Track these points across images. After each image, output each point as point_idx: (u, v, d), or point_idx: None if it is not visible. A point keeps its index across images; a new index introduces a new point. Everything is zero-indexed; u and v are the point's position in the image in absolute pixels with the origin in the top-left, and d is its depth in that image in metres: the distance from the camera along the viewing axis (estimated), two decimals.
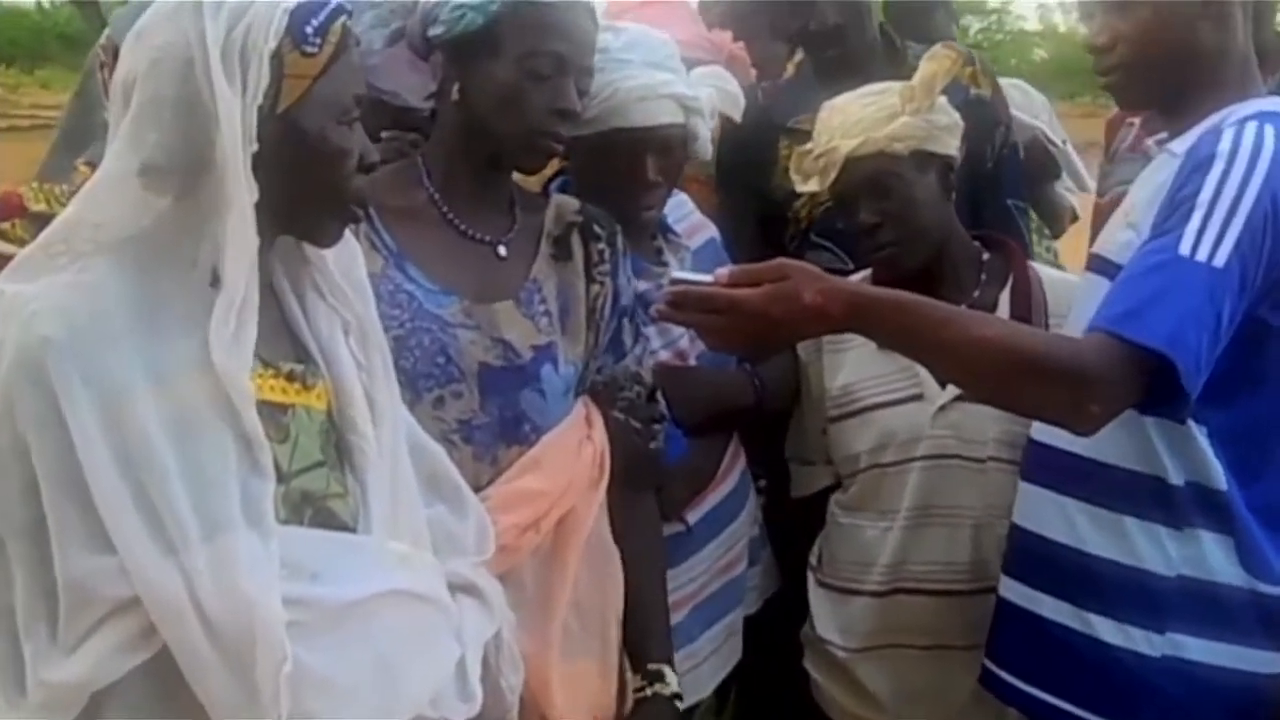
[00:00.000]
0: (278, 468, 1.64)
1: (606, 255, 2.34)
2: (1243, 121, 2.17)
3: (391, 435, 1.83)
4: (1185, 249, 2.06)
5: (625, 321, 2.37)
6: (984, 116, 3.13)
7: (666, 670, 2.31)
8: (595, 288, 2.32)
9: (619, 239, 2.38)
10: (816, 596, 2.86)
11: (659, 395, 2.41)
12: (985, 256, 2.81)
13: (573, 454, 2.22)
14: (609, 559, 2.29)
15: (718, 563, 2.70)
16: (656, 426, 2.38)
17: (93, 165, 2.30)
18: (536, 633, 2.14)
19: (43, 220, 2.26)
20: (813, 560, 2.89)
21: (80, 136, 2.51)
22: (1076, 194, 4.44)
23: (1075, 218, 4.51)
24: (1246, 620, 2.24)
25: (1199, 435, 2.20)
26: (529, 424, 2.19)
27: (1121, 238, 2.29)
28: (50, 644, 1.56)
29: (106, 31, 2.41)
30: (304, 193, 1.71)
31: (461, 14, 2.16)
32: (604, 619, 2.27)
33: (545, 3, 2.18)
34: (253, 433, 1.60)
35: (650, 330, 2.54)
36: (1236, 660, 2.24)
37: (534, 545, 2.15)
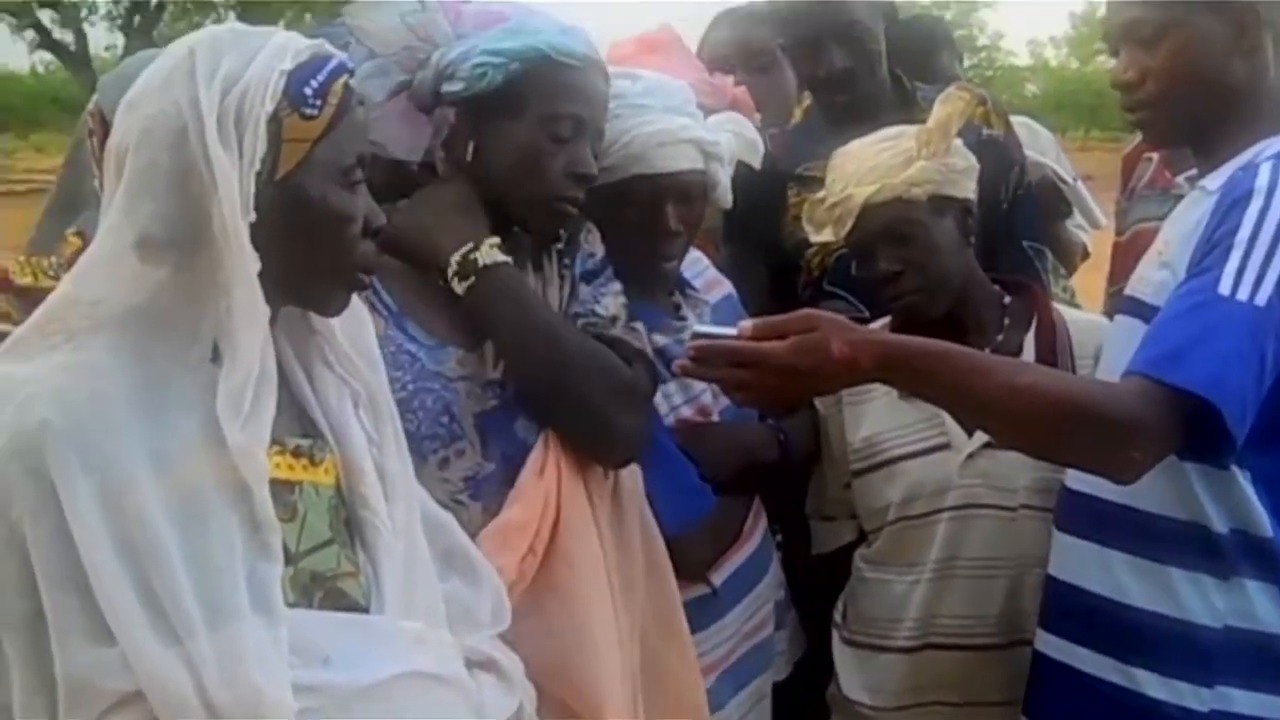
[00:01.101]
0: (285, 549, 1.59)
1: (565, 246, 2.33)
2: (1279, 156, 2.12)
3: (406, 511, 1.78)
4: (1225, 288, 2.02)
5: (584, 287, 2.31)
6: (998, 157, 3.08)
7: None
8: (565, 285, 2.30)
9: (582, 235, 2.35)
10: (842, 655, 2.80)
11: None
12: (1006, 300, 2.76)
13: (537, 477, 2.15)
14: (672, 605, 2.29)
15: (745, 625, 2.63)
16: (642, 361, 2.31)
17: (82, 235, 2.29)
18: (577, 657, 2.10)
19: (29, 295, 2.22)
20: (837, 618, 2.83)
21: (70, 205, 2.48)
22: (1088, 231, 4.38)
23: (1086, 255, 4.47)
24: None
25: (1242, 480, 2.15)
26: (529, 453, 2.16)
27: (1155, 278, 2.24)
28: None
29: (95, 98, 2.36)
30: (307, 261, 1.66)
31: (483, 71, 2.14)
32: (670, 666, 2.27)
33: (566, 65, 2.16)
34: (263, 515, 1.55)
35: (672, 386, 2.50)
36: None
37: (534, 569, 2.10)
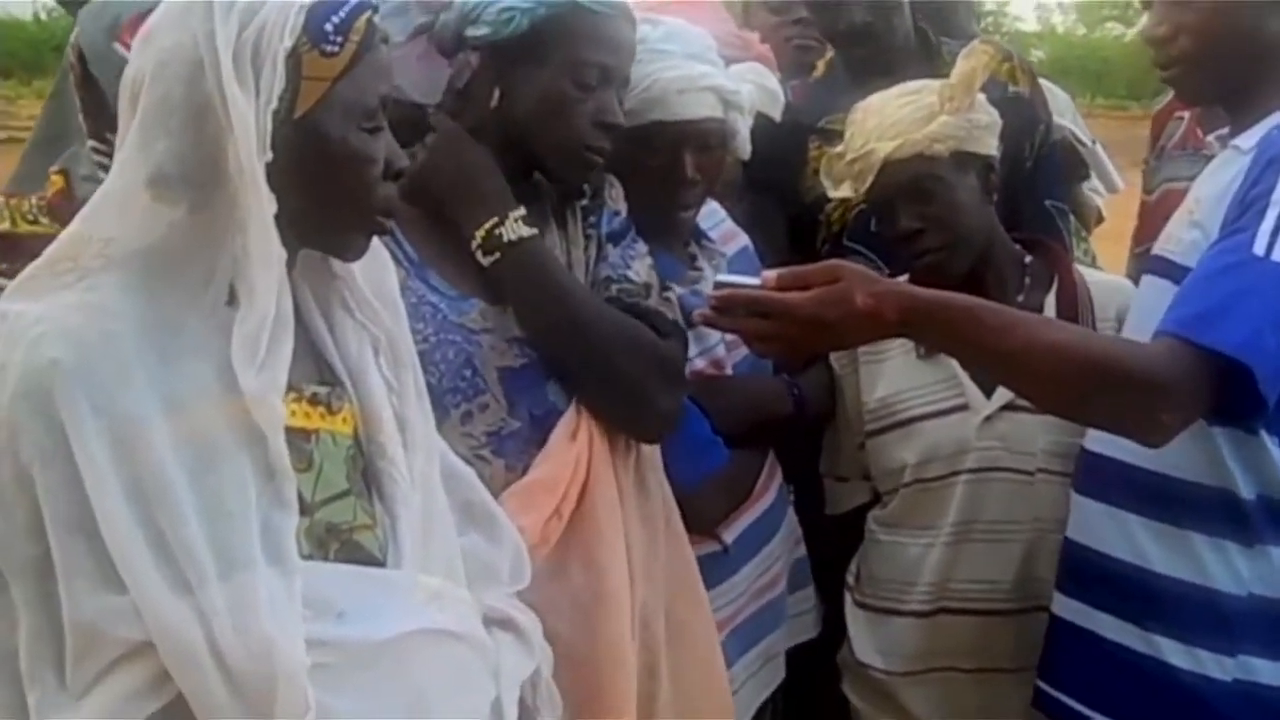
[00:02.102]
0: (301, 499, 1.56)
1: (591, 205, 2.30)
2: None
3: (425, 462, 1.75)
4: (1260, 248, 1.99)
5: (611, 249, 2.29)
6: (1023, 114, 3.03)
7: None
8: (591, 246, 2.28)
9: (606, 191, 2.33)
10: (854, 618, 2.78)
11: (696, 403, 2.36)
12: (1028, 260, 2.73)
13: (568, 440, 2.14)
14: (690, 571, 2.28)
15: (755, 584, 2.62)
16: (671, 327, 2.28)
17: (66, 173, 2.24)
18: (597, 625, 2.08)
19: (7, 240, 2.18)
20: (850, 580, 2.81)
21: (53, 142, 2.42)
22: (1103, 195, 4.35)
23: (1101, 219, 4.44)
24: None
25: (1271, 446, 2.13)
26: (560, 416, 2.14)
27: (1187, 238, 2.21)
28: (58, 691, 1.47)
29: (74, 33, 2.32)
30: (326, 203, 1.61)
31: (510, 16, 2.12)
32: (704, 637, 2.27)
33: (594, 11, 2.14)
34: (278, 463, 1.52)
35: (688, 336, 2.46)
36: None
37: (559, 532, 2.08)
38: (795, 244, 3.06)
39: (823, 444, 2.87)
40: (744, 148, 2.60)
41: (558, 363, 2.15)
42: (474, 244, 2.11)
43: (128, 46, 2.14)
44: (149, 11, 2.13)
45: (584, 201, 2.30)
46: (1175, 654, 2.18)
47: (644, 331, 2.17)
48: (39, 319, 1.47)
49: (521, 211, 2.12)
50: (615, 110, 2.20)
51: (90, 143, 2.28)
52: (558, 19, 2.12)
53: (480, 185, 2.15)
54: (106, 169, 2.19)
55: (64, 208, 2.18)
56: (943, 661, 2.66)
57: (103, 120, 2.24)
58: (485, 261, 2.11)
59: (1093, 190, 4.32)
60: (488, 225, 2.11)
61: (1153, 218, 3.42)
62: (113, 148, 2.19)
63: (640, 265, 2.27)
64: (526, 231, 2.11)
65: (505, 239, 2.10)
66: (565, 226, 2.28)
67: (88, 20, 2.29)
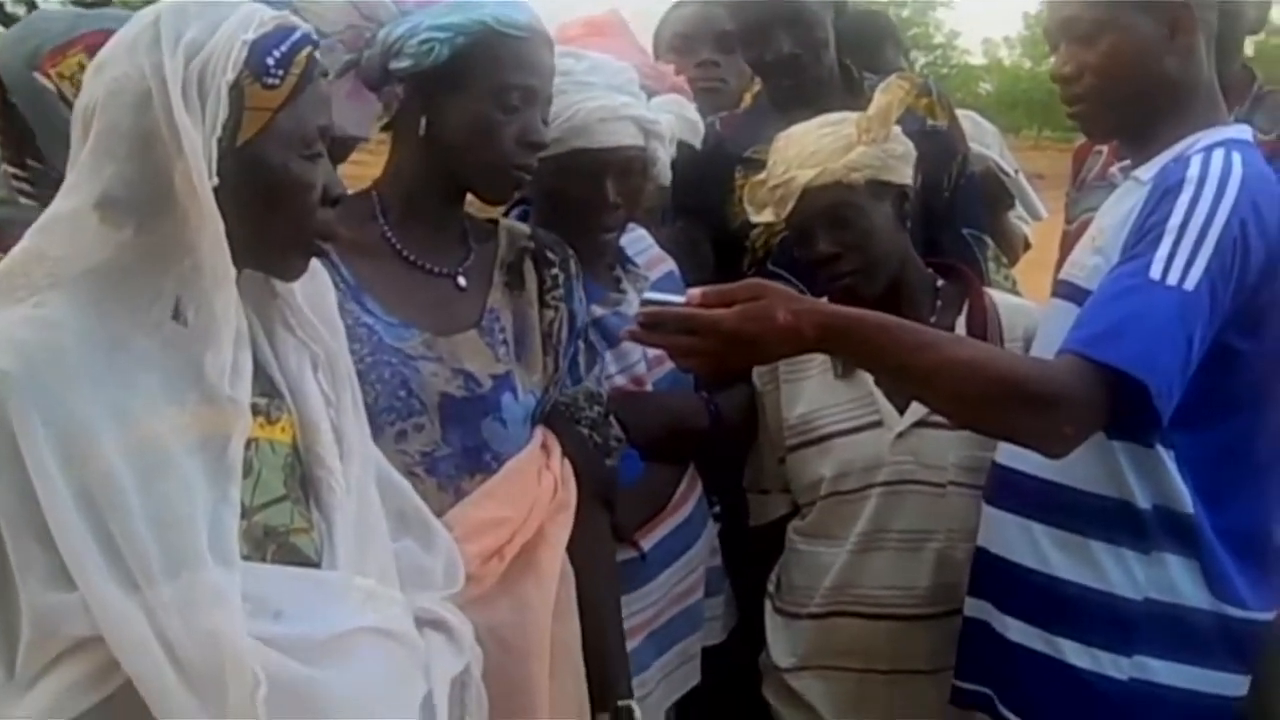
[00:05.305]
0: (240, 502, 1.61)
1: (559, 280, 2.35)
2: (1210, 148, 2.21)
3: (360, 470, 1.81)
4: (1156, 273, 2.09)
5: (580, 344, 2.38)
6: (940, 146, 3.14)
7: (634, 706, 2.31)
8: (549, 313, 2.33)
9: (571, 263, 2.39)
10: (773, 624, 2.86)
11: (615, 417, 2.41)
12: (940, 284, 2.82)
13: (533, 481, 2.20)
14: (570, 590, 2.27)
15: (673, 590, 2.70)
16: (614, 444, 2.38)
17: None
18: (519, 664, 2.12)
19: None
20: (770, 588, 2.89)
21: None
22: (1030, 223, 4.45)
23: (1028, 246, 4.53)
24: (1212, 643, 2.26)
25: (1166, 459, 2.23)
26: (490, 453, 2.18)
27: (1090, 263, 2.32)
28: (5, 683, 1.53)
29: None
30: (267, 227, 1.68)
31: (430, 47, 2.16)
32: (573, 648, 2.25)
33: (511, 36, 2.19)
34: (235, 466, 1.58)
35: (607, 356, 2.55)
36: (1203, 683, 2.26)
37: (498, 573, 2.12)
38: (721, 269, 3.11)
39: (747, 459, 2.93)
40: (664, 174, 2.68)
41: None
42: None
43: (48, 76, 2.20)
44: (69, 44, 2.21)
45: (553, 270, 2.36)
46: (1075, 654, 2.29)
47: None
48: None
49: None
50: (539, 129, 2.24)
51: (10, 169, 2.32)
52: (476, 46, 2.17)
53: None
54: (26, 194, 2.25)
55: None
56: (833, 661, 2.74)
57: (23, 148, 2.29)
58: None
59: (1019, 219, 4.44)
60: None
61: (1073, 246, 3.51)
62: (32, 174, 2.26)
63: (604, 386, 2.41)
64: None
65: None
66: (522, 284, 2.33)
67: (7, 50, 2.32)
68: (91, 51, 2.16)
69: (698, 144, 2.85)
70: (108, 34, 2.15)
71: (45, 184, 2.22)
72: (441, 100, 2.20)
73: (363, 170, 2.39)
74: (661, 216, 3.10)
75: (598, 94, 2.51)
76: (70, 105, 2.21)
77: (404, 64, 2.19)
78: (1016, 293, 3.57)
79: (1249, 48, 3.66)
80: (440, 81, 2.19)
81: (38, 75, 2.25)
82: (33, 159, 2.30)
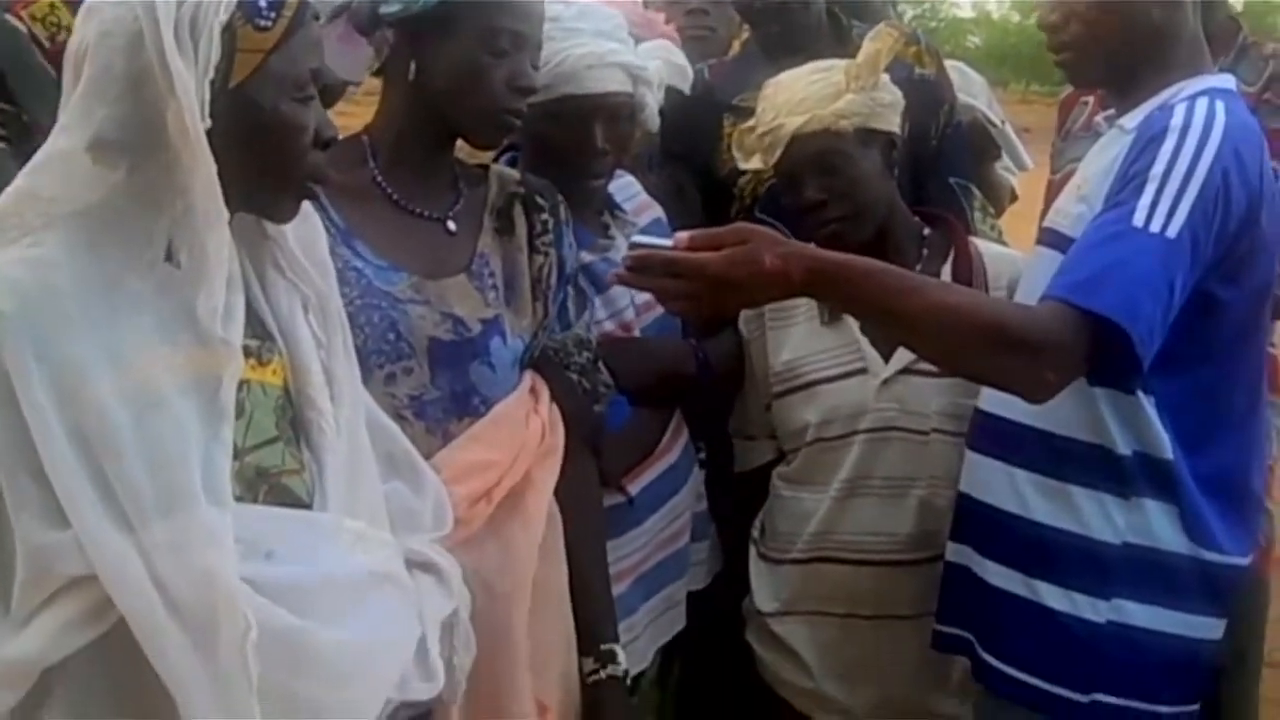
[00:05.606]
0: (232, 444, 1.62)
1: (549, 225, 2.36)
2: (1194, 97, 2.23)
3: (350, 412, 1.82)
4: (1139, 220, 2.11)
5: (570, 290, 2.40)
6: (928, 95, 3.15)
7: (617, 650, 2.34)
8: (539, 259, 2.34)
9: (561, 209, 2.40)
10: (757, 569, 2.89)
11: (603, 363, 2.43)
12: (926, 232, 2.84)
13: (520, 425, 2.22)
14: (557, 533, 2.29)
15: (660, 535, 2.72)
16: (603, 390, 2.40)
17: None
18: (503, 607, 2.14)
19: None
20: (755, 534, 2.91)
21: None
22: (1015, 174, 4.46)
23: (1014, 197, 4.55)
24: (1189, 587, 2.29)
25: (1146, 405, 2.25)
26: (478, 397, 2.19)
27: (1074, 211, 2.33)
28: (1, 619, 1.54)
29: None
30: (258, 169, 1.69)
31: None
32: (560, 591, 2.27)
33: None
34: (228, 407, 1.60)
35: (596, 301, 2.57)
36: (1179, 626, 2.29)
37: (485, 516, 2.14)
38: (709, 215, 3.13)
39: (734, 405, 2.95)
40: (652, 120, 2.70)
41: None
42: None
43: (20, 18, 2.20)
44: None
45: (543, 215, 2.37)
46: (1054, 598, 2.32)
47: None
48: None
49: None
50: (529, 74, 2.25)
51: None
52: None
53: None
54: (2, 138, 2.23)
55: None
56: (818, 605, 2.77)
57: None
58: None
59: (1005, 170, 4.45)
60: None
61: (1058, 195, 3.53)
62: (4, 116, 2.23)
63: (593, 331, 2.43)
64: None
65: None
66: (512, 229, 2.34)
67: None
68: None
69: (686, 88, 2.86)
70: None
71: (16, 127, 2.25)
72: (431, 44, 2.21)
73: (349, 121, 2.38)
74: (649, 163, 3.11)
75: (585, 40, 2.52)
76: (42, 47, 2.23)
77: (393, 8, 2.19)
78: (1002, 243, 3.60)
79: (1237, 1, 3.69)
80: (429, 25, 2.19)
81: (9, 17, 2.25)
82: (4, 101, 2.29)
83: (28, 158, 1.66)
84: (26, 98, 2.24)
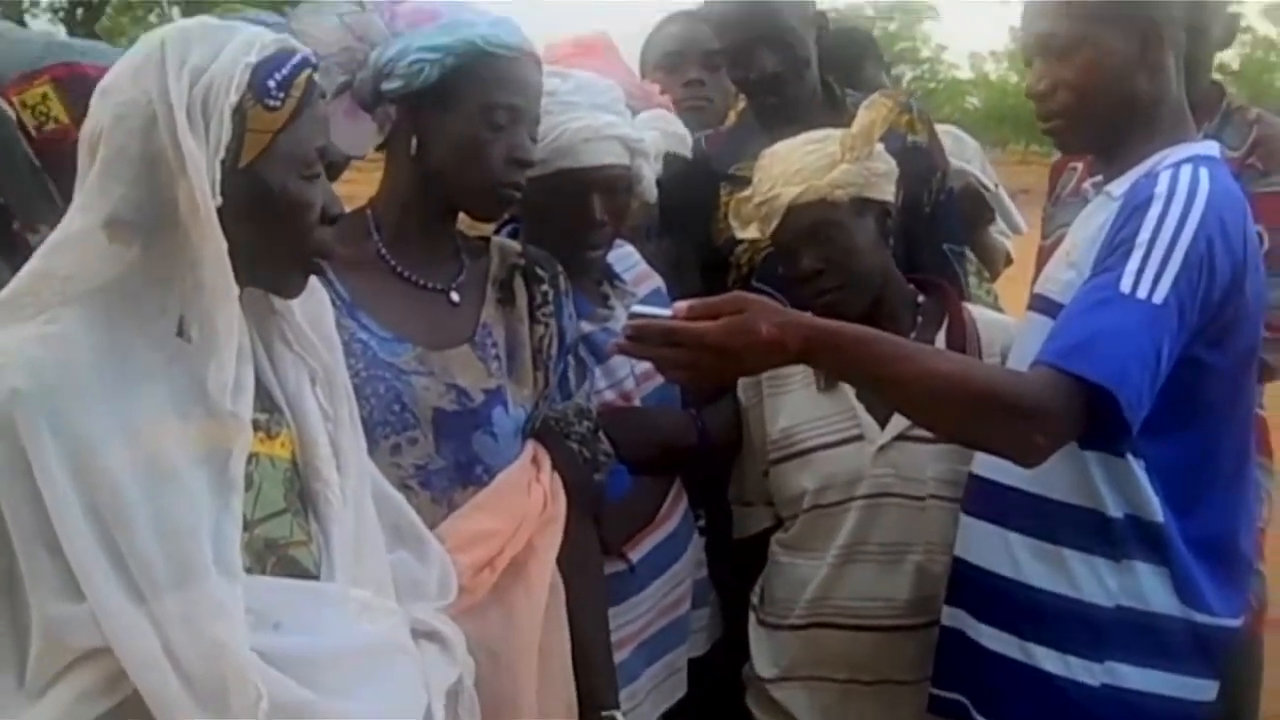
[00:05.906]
0: (242, 516, 1.66)
1: (549, 296, 2.39)
2: (1178, 165, 2.27)
3: (356, 483, 1.85)
4: (1126, 287, 2.14)
5: (570, 360, 2.42)
6: (921, 163, 3.18)
7: (619, 716, 2.36)
8: (540, 329, 2.37)
9: (561, 280, 2.43)
10: (756, 635, 2.89)
11: (604, 433, 2.45)
12: (921, 299, 2.86)
13: (523, 494, 2.25)
14: (560, 601, 2.31)
15: (661, 602, 2.74)
16: (603, 459, 2.42)
17: None
18: (507, 675, 2.16)
19: None
20: (754, 600, 2.92)
21: None
22: (1010, 237, 4.50)
23: (1009, 261, 4.58)
24: (1182, 649, 2.31)
25: (1136, 469, 2.28)
26: (481, 466, 2.22)
27: (1063, 277, 2.37)
28: (15, 691, 1.57)
29: None
30: (267, 245, 1.73)
31: (420, 68, 2.20)
32: (563, 658, 2.29)
33: (499, 55, 2.22)
34: (237, 479, 1.63)
35: (596, 371, 2.60)
36: (1173, 688, 2.31)
37: (489, 584, 2.16)
38: (707, 285, 3.11)
39: (732, 472, 2.97)
40: (650, 191, 2.73)
41: None
42: None
43: (10, 103, 2.22)
44: (35, 74, 2.23)
45: (544, 286, 2.40)
46: (1049, 660, 2.34)
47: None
48: (1, 351, 1.57)
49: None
50: (527, 147, 2.29)
51: None
52: (465, 67, 2.20)
53: None
54: None
55: None
56: (815, 671, 2.78)
57: None
58: None
59: (1000, 233, 4.49)
60: None
61: (1048, 261, 3.55)
62: None
63: (594, 401, 2.46)
64: None
65: None
66: (513, 300, 2.37)
67: None
68: (57, 83, 2.22)
69: (687, 153, 2.90)
70: (72, 66, 2.21)
71: None
72: (431, 120, 2.24)
73: (353, 189, 2.42)
74: (648, 233, 3.14)
75: (582, 114, 2.55)
76: (30, 136, 2.24)
77: (395, 85, 2.23)
78: (998, 306, 3.63)
79: (1234, 61, 3.74)
80: (430, 102, 2.23)
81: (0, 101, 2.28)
82: None
83: None
84: (3, 184, 2.26)
